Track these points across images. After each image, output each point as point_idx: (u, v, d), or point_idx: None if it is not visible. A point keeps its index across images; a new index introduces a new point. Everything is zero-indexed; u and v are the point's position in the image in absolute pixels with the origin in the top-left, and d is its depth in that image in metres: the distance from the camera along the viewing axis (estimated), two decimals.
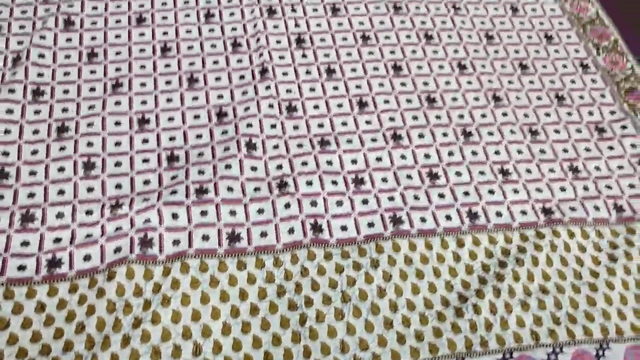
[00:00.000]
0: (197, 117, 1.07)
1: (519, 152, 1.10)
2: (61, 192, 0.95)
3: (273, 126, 1.07)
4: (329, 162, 1.04)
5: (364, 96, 1.14)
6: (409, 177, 1.04)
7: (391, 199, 1.00)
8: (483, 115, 1.14)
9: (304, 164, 1.03)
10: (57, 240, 0.89)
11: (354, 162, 1.05)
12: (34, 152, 0.99)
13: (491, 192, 1.03)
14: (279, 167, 1.02)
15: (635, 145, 1.13)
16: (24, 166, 0.97)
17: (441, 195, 1.02)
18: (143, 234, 0.89)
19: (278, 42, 1.20)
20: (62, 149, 1.00)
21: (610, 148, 1.13)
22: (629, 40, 1.33)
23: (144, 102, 1.08)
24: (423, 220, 0.98)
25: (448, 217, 0.99)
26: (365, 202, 0.99)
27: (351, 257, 0.93)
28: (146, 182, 0.98)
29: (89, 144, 1.01)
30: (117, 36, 1.17)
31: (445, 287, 0.92)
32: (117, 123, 1.04)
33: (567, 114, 1.17)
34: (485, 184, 1.04)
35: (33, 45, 1.12)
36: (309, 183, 1.00)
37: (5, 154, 0.98)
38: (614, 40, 1.32)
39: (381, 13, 1.29)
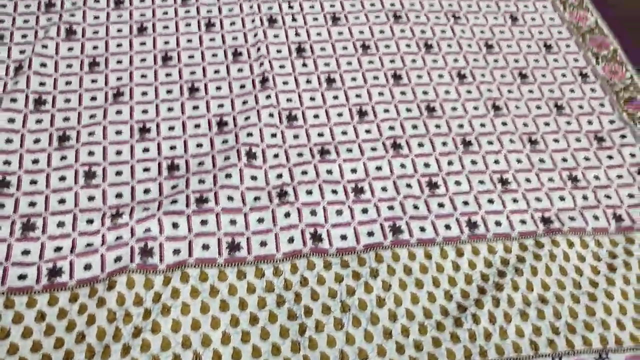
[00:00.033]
0: (197, 126, 1.08)
1: (519, 161, 1.10)
2: (62, 201, 0.95)
3: (273, 135, 1.08)
4: (329, 171, 1.04)
5: (363, 105, 1.15)
6: (408, 186, 1.04)
7: (391, 208, 1.01)
8: (482, 125, 1.15)
9: (304, 173, 1.03)
10: (58, 249, 0.90)
11: (354, 171, 1.05)
12: (35, 161, 1.00)
13: (490, 201, 1.04)
14: (279, 176, 1.02)
15: (635, 155, 1.14)
16: (25, 175, 0.98)
17: (441, 205, 1.02)
18: (143, 243, 0.90)
19: (278, 51, 1.21)
20: (63, 158, 1.00)
21: (610, 157, 1.13)
22: (628, 50, 1.33)
23: (145, 111, 1.08)
24: (422, 229, 0.99)
25: (447, 227, 1.00)
26: (365, 211, 1.00)
27: (351, 266, 0.93)
28: (147, 191, 0.98)
29: (90, 153, 1.01)
30: (119, 45, 1.18)
31: (445, 296, 0.93)
32: (118, 132, 1.05)
33: (566, 123, 1.18)
34: (484, 193, 1.05)
35: (35, 54, 1.12)
36: (309, 192, 1.00)
37: (7, 162, 0.99)
38: (613, 50, 1.32)
39: (381, 22, 1.30)
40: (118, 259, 0.89)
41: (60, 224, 0.92)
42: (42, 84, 1.09)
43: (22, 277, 0.86)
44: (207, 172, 1.00)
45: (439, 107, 1.16)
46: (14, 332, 0.81)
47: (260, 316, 0.87)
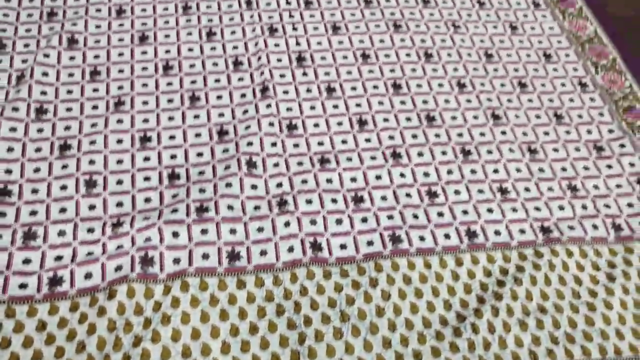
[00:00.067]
0: (198, 135, 1.08)
1: (518, 170, 1.11)
2: (63, 210, 0.96)
3: (273, 144, 1.08)
4: (329, 180, 1.05)
5: (363, 114, 1.15)
6: (408, 195, 1.05)
7: (390, 217, 1.01)
8: (482, 134, 1.15)
9: (304, 182, 1.04)
10: (59, 258, 0.90)
11: (354, 180, 1.05)
12: (37, 170, 1.00)
13: (490, 210, 1.04)
14: (279, 185, 1.03)
15: (634, 164, 1.14)
16: (26, 184, 0.98)
17: (440, 214, 1.03)
18: (144, 252, 0.90)
19: (279, 60, 1.22)
20: (64, 167, 1.01)
21: (609, 167, 1.14)
22: (627, 59, 1.34)
23: (145, 120, 1.09)
24: (422, 239, 0.99)
25: (447, 236, 1.00)
26: (364, 220, 1.00)
27: (350, 276, 0.93)
28: (147, 200, 0.98)
29: (91, 162, 1.02)
30: (120, 54, 1.19)
31: (444, 306, 0.93)
32: (119, 141, 1.05)
33: (565, 132, 1.18)
34: (484, 202, 1.05)
35: (37, 63, 1.13)
36: (309, 201, 1.01)
37: (8, 171, 0.99)
38: (613, 59, 1.33)
39: (381, 31, 1.30)
40: (119, 268, 0.89)
41: (61, 233, 0.93)
42: (43, 93, 1.10)
43: (23, 286, 0.86)
44: (207, 181, 1.01)
45: (438, 117, 1.17)
46: (14, 341, 0.81)
47: (260, 325, 0.87)
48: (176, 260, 0.91)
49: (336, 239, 0.97)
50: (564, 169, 1.12)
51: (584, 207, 1.07)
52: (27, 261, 0.89)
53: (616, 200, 1.09)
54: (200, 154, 1.06)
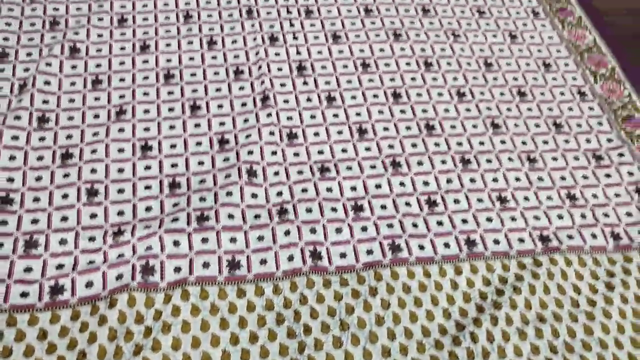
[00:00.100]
0: (199, 144, 1.09)
1: (517, 179, 1.11)
2: (64, 219, 0.96)
3: (274, 153, 1.09)
4: (329, 189, 1.05)
5: (363, 123, 1.16)
6: (407, 204, 1.05)
7: (390, 226, 1.01)
8: (481, 143, 1.16)
9: (304, 190, 1.04)
10: (60, 266, 0.90)
11: (354, 189, 1.06)
12: (38, 179, 1.01)
13: (489, 219, 1.05)
14: (279, 193, 1.03)
15: (633, 173, 1.15)
16: (28, 192, 0.99)
17: (440, 223, 1.03)
18: (145, 261, 0.91)
19: (279, 69, 1.22)
20: (66, 175, 1.01)
21: (608, 176, 1.14)
22: (626, 68, 1.34)
23: (146, 129, 1.10)
24: (421, 247, 0.99)
25: (446, 245, 1.00)
26: (364, 229, 1.00)
27: (350, 284, 0.94)
28: (148, 209, 0.99)
29: (93, 171, 1.02)
30: (122, 63, 1.20)
31: (443, 315, 0.93)
32: (121, 150, 1.06)
33: (564, 141, 1.19)
34: (483, 211, 1.06)
35: (39, 72, 1.14)
36: (309, 210, 1.01)
37: (10, 180, 1.00)
38: (611, 68, 1.34)
39: (381, 40, 1.31)
40: (119, 277, 0.89)
41: (63, 242, 0.93)
42: (45, 101, 1.11)
43: (24, 294, 0.87)
44: (208, 190, 1.01)
45: (438, 126, 1.17)
46: (15, 350, 0.82)
47: (259, 334, 0.88)
48: (177, 269, 0.92)
49: (336, 248, 0.97)
50: (563, 178, 1.13)
51: (583, 216, 1.08)
52: (28, 269, 0.90)
53: (615, 209, 1.09)
54: (201, 163, 1.06)
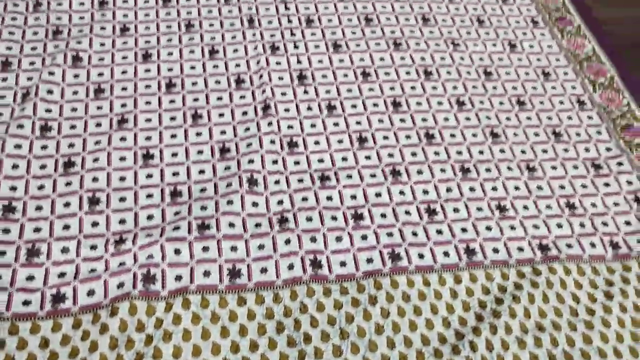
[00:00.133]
0: (200, 152, 1.09)
1: (516, 188, 1.12)
2: (66, 227, 0.97)
3: (274, 162, 1.09)
4: (329, 198, 1.06)
5: (363, 132, 1.17)
6: (407, 213, 1.06)
7: (390, 234, 1.02)
8: (481, 152, 1.16)
9: (304, 199, 1.05)
10: (62, 275, 0.91)
11: (354, 197, 1.07)
12: (41, 187, 1.01)
13: (488, 228, 1.05)
14: (280, 202, 1.04)
15: (631, 182, 1.15)
16: (30, 201, 1.00)
17: (439, 232, 1.04)
18: (146, 269, 0.91)
19: (280, 78, 1.23)
20: (68, 184, 1.02)
21: (607, 185, 1.15)
22: (625, 77, 1.35)
23: (148, 138, 1.10)
24: (421, 256, 1.00)
25: (446, 254, 1.01)
26: (364, 237, 1.01)
27: (350, 293, 0.94)
28: (149, 217, 1.00)
29: (94, 179, 1.03)
30: (124, 72, 1.20)
31: (443, 323, 0.94)
32: (122, 158, 1.07)
33: (563, 150, 1.19)
34: (482, 220, 1.06)
35: (42, 81, 1.15)
36: (309, 219, 1.02)
37: (13, 188, 1.01)
38: (610, 77, 1.35)
39: (381, 49, 1.32)
40: (121, 285, 0.90)
41: (65, 250, 0.94)
42: (48, 110, 1.11)
43: (26, 302, 0.87)
44: (209, 199, 1.02)
45: (437, 134, 1.18)
46: (17, 358, 0.82)
47: (260, 342, 0.88)
48: (178, 278, 0.92)
49: (336, 257, 0.98)
50: (562, 187, 1.13)
51: (582, 225, 1.08)
52: (30, 278, 0.90)
53: (614, 218, 1.10)
54: (202, 171, 1.07)
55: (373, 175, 1.10)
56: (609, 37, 1.44)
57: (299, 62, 1.27)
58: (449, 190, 1.10)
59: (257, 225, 1.00)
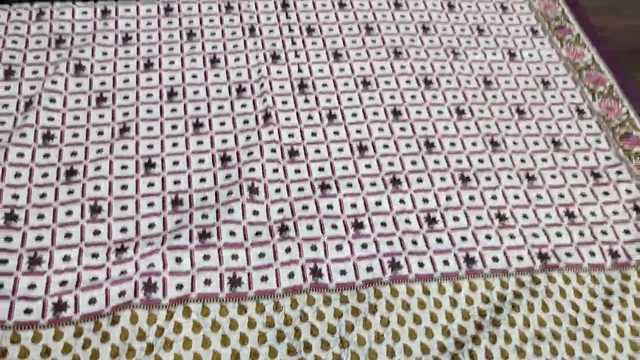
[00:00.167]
0: (201, 161, 1.10)
1: (516, 197, 1.12)
2: (68, 235, 0.97)
3: (275, 170, 1.10)
4: (329, 206, 1.06)
5: (364, 141, 1.17)
6: (407, 221, 1.06)
7: (390, 243, 1.02)
8: (480, 161, 1.17)
9: (305, 208, 1.05)
10: (63, 283, 0.92)
11: (354, 206, 1.07)
12: (43, 196, 1.02)
13: (488, 237, 1.06)
14: (280, 210, 1.04)
15: (630, 191, 1.16)
16: (32, 209, 1.00)
17: (439, 240, 1.04)
18: (147, 278, 0.92)
19: (281, 87, 1.24)
20: (70, 192, 1.03)
21: (606, 193, 1.15)
22: (622, 84, 1.36)
23: (150, 147, 1.11)
24: (421, 265, 1.00)
25: (445, 262, 1.01)
26: (364, 246, 1.01)
27: (350, 302, 0.95)
28: (151, 226, 1.00)
29: (96, 188, 1.04)
30: (126, 81, 1.21)
31: (442, 332, 0.94)
32: (124, 167, 1.07)
33: (563, 159, 1.20)
34: (482, 229, 1.07)
35: (45, 90, 1.15)
36: (310, 227, 1.02)
37: (15, 196, 1.01)
38: (610, 86, 1.35)
39: (381, 58, 1.33)
40: (122, 294, 0.90)
41: (66, 258, 0.94)
42: (50, 119, 1.12)
43: (28, 311, 0.88)
44: (210, 207, 1.03)
45: (437, 143, 1.19)
46: None
47: (260, 351, 0.89)
48: (179, 286, 0.93)
49: (336, 265, 0.98)
50: (561, 196, 1.14)
51: (581, 233, 1.09)
52: (32, 286, 0.91)
53: (613, 227, 1.10)
54: (203, 180, 1.07)
55: (373, 184, 1.11)
56: (606, 44, 1.45)
57: (299, 70, 1.28)
58: (448, 198, 1.10)
59: (258, 233, 1.00)
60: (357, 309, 0.94)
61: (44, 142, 1.09)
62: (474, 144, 1.20)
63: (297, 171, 1.11)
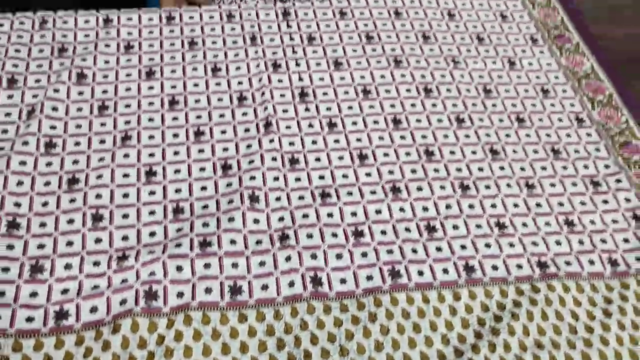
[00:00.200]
0: (202, 169, 1.11)
1: (515, 205, 1.13)
2: (70, 244, 0.98)
3: (276, 179, 1.10)
4: (330, 215, 1.07)
5: (364, 149, 1.18)
6: (407, 230, 1.07)
7: (390, 252, 1.03)
8: (480, 169, 1.17)
9: (305, 216, 1.06)
10: (65, 291, 0.92)
11: (354, 214, 1.08)
12: (45, 204, 1.03)
13: (487, 245, 1.06)
14: (281, 219, 1.05)
15: (630, 200, 1.16)
16: (34, 217, 1.01)
17: (439, 249, 1.04)
18: (148, 286, 0.92)
19: (282, 95, 1.25)
20: (72, 200, 1.03)
21: (605, 202, 1.16)
22: (621, 92, 1.36)
23: (151, 155, 1.12)
24: (420, 273, 1.01)
25: (445, 271, 1.02)
26: (364, 255, 1.02)
27: (350, 310, 0.95)
28: (152, 234, 1.01)
29: (98, 196, 1.04)
30: (127, 89, 1.22)
31: (442, 340, 0.94)
32: (126, 175, 1.08)
33: (562, 167, 1.20)
34: (481, 237, 1.07)
35: (47, 98, 1.16)
36: (310, 236, 1.03)
37: (17, 204, 1.02)
38: (609, 95, 1.36)
39: (382, 67, 1.33)
40: (123, 302, 0.91)
41: (68, 266, 0.95)
42: (53, 127, 1.13)
43: (29, 319, 0.88)
44: (211, 215, 1.03)
45: (437, 152, 1.19)
46: None
47: (260, 359, 0.89)
48: (180, 294, 0.93)
49: (336, 274, 0.99)
50: (561, 204, 1.14)
51: (581, 242, 1.09)
52: (34, 294, 0.91)
53: (612, 235, 1.11)
54: (204, 188, 1.08)
55: (373, 192, 1.11)
56: (605, 52, 1.46)
57: (300, 79, 1.29)
58: (448, 207, 1.11)
59: (258, 242, 1.01)
60: (357, 317, 0.94)
61: (46, 150, 1.10)
62: (473, 152, 1.20)
63: (298, 179, 1.12)
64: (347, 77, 1.30)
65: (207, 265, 0.97)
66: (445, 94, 1.30)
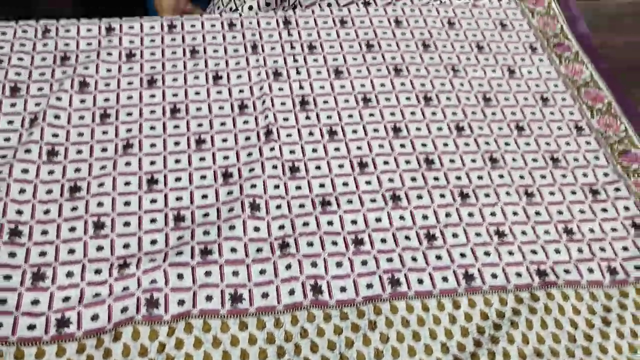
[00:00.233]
0: (203, 177, 1.11)
1: (515, 213, 1.13)
2: (71, 251, 0.99)
3: (276, 187, 1.11)
4: (330, 223, 1.07)
5: (364, 157, 1.18)
6: (407, 238, 1.07)
7: (390, 260, 1.03)
8: (480, 177, 1.18)
9: (305, 224, 1.06)
10: (66, 299, 0.92)
11: (354, 222, 1.08)
12: (47, 212, 1.03)
13: (487, 253, 1.06)
14: (281, 227, 1.05)
15: (629, 208, 1.17)
16: (36, 225, 1.01)
17: (438, 257, 1.05)
18: (149, 294, 0.93)
19: (283, 104, 1.25)
20: (74, 208, 1.04)
21: (604, 210, 1.16)
22: (622, 102, 1.37)
23: (153, 163, 1.12)
24: (420, 281, 1.01)
25: (445, 279, 1.02)
26: (364, 263, 1.02)
27: (350, 318, 0.96)
28: (153, 242, 1.01)
29: (100, 204, 1.05)
30: (129, 97, 1.23)
31: (441, 349, 0.95)
32: (127, 183, 1.09)
33: (562, 175, 1.21)
34: (481, 245, 1.07)
35: (49, 106, 1.17)
36: (310, 244, 1.03)
37: (19, 212, 1.02)
38: (608, 103, 1.36)
39: (382, 75, 1.34)
40: (124, 310, 0.91)
41: (69, 274, 0.95)
42: (55, 135, 1.14)
43: (31, 327, 0.89)
44: (211, 224, 1.04)
45: (437, 160, 1.20)
46: None
47: None
48: (181, 302, 0.94)
49: (336, 282, 0.99)
50: (560, 212, 1.15)
51: (580, 250, 1.09)
52: (35, 302, 0.92)
53: (611, 243, 1.11)
54: (205, 196, 1.09)
55: (373, 200, 1.12)
56: (605, 60, 1.46)
57: (301, 87, 1.29)
58: (448, 215, 1.11)
59: (259, 250, 1.02)
60: (357, 325, 0.95)
61: (48, 158, 1.10)
62: (473, 160, 1.21)
63: (298, 187, 1.12)
64: (348, 86, 1.31)
65: (207, 273, 0.97)
66: (445, 103, 1.31)
